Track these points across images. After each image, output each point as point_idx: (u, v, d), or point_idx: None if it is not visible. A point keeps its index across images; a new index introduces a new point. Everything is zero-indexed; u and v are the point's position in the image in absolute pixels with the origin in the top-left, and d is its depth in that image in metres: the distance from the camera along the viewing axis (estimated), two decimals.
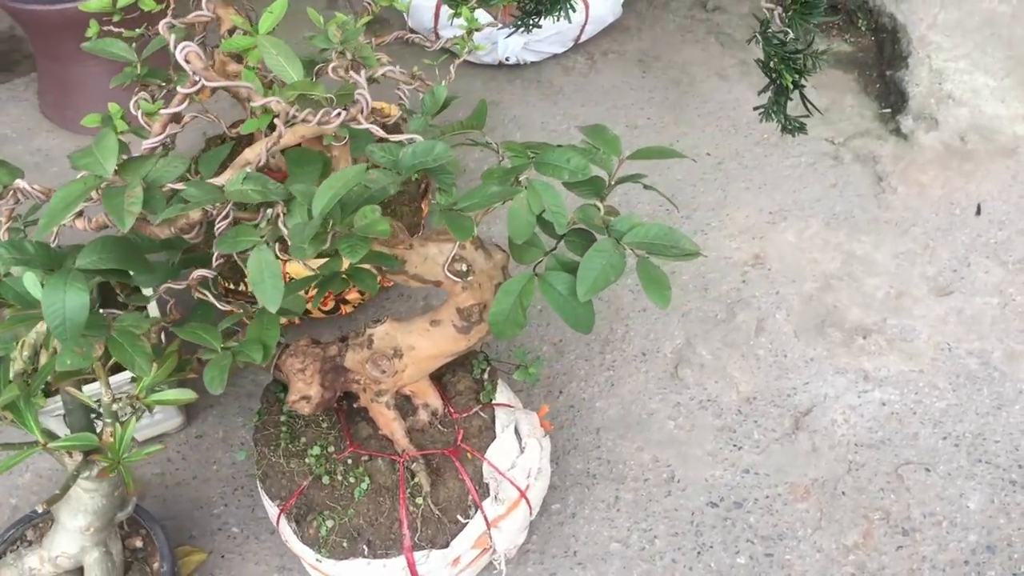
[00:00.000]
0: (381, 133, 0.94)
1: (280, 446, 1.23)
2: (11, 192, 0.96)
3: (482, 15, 1.72)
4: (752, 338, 1.58)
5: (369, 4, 1.48)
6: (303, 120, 0.91)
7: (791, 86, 1.41)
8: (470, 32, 1.47)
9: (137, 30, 1.26)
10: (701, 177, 1.85)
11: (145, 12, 1.25)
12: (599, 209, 1.08)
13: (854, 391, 1.51)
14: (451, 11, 1.48)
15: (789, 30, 1.39)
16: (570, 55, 2.11)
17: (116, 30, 1.26)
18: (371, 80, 1.03)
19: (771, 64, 1.44)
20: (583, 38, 2.08)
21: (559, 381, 1.53)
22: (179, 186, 0.87)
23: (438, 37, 2.02)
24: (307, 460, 1.22)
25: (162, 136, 0.95)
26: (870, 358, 1.55)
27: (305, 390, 1.19)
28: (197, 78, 0.88)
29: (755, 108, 1.47)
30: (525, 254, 1.09)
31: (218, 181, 0.97)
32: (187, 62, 0.88)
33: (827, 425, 1.46)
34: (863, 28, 2.16)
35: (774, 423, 1.47)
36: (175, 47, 0.89)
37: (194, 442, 1.47)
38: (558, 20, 1.48)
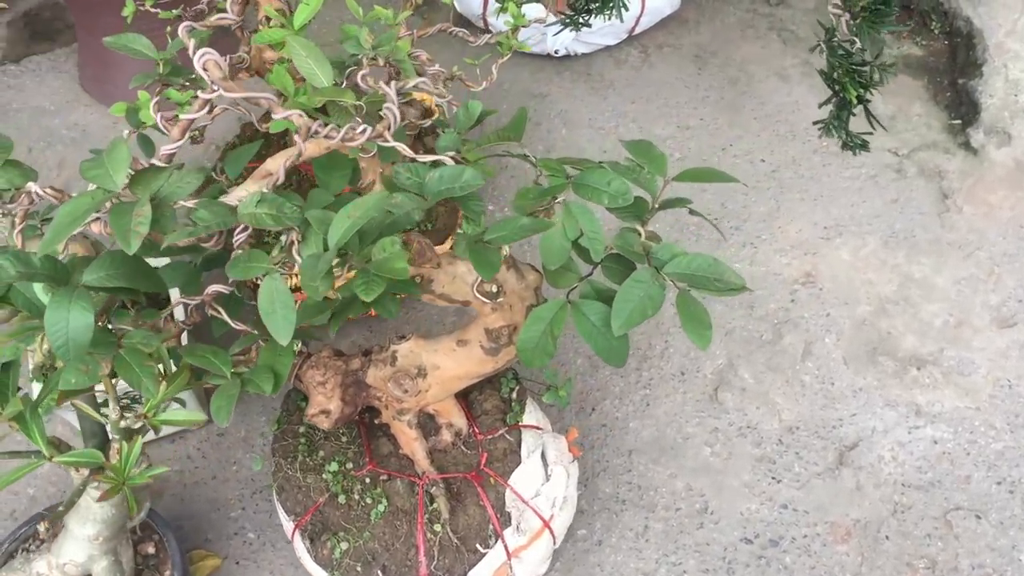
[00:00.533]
0: (408, 153, 0.88)
1: (298, 459, 1.19)
2: (23, 195, 0.92)
3: (530, 9, 1.65)
4: (798, 362, 1.50)
5: None
6: (326, 136, 0.86)
7: (855, 101, 1.32)
8: (515, 30, 1.40)
9: (174, 11, 1.22)
10: (754, 185, 1.76)
11: None
12: (639, 234, 1.01)
13: (904, 426, 1.42)
14: (498, 4, 1.41)
15: (856, 39, 1.30)
16: (623, 47, 2.02)
17: (153, 10, 1.21)
18: (402, 93, 0.97)
19: (834, 76, 1.35)
20: (638, 30, 1.99)
21: (592, 397, 1.47)
22: (191, 203, 0.82)
23: (486, 25, 1.95)
24: (324, 476, 1.17)
25: (180, 141, 0.90)
26: (923, 391, 1.46)
27: (325, 404, 1.14)
28: (216, 88, 0.83)
29: (815, 123, 1.38)
30: (559, 278, 1.03)
31: (232, 199, 0.92)
32: (205, 70, 0.83)
33: (873, 462, 1.38)
34: (936, 31, 2.03)
35: (817, 456, 1.39)
36: (194, 52, 0.84)
37: (215, 440, 1.43)
38: (609, 19, 1.40)
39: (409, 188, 0.87)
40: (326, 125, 0.85)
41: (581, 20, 1.40)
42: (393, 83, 0.93)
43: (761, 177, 1.77)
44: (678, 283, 0.94)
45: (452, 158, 0.94)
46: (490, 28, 1.94)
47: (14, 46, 2.04)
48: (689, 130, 1.85)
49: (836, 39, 1.34)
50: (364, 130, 0.86)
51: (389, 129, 0.89)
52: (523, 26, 1.38)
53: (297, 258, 0.79)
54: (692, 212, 1.07)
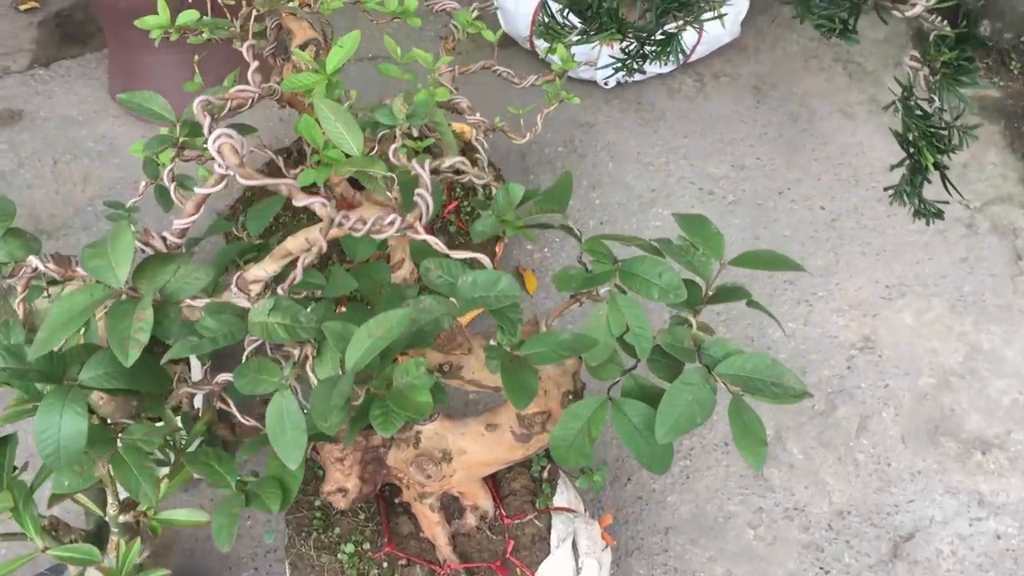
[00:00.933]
0: (442, 248, 0.79)
1: (312, 535, 1.11)
2: (24, 268, 0.85)
3: (580, 50, 1.54)
4: (852, 438, 1.40)
5: (454, 28, 1.33)
6: (351, 228, 0.77)
7: (932, 168, 1.21)
8: (563, 74, 1.31)
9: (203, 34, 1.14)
10: (812, 235, 1.64)
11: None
12: (690, 325, 0.92)
13: (965, 517, 1.32)
14: (545, 45, 1.31)
15: (935, 97, 1.18)
16: (677, 75, 1.90)
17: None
18: (437, 172, 0.88)
19: (910, 138, 1.24)
20: (693, 57, 1.87)
21: (627, 465, 1.38)
22: (198, 303, 0.74)
23: (532, 47, 1.85)
24: (339, 556, 1.10)
25: (194, 216, 0.82)
26: (988, 479, 1.35)
27: (342, 481, 1.06)
28: (230, 172, 0.75)
29: (885, 189, 1.28)
30: (600, 370, 0.93)
31: (249, 277, 0.84)
32: (220, 155, 0.74)
33: (930, 556, 1.28)
34: (1016, 71, 1.89)
35: (869, 546, 1.29)
36: (209, 132, 0.75)
37: None
38: (665, 64, 1.30)
39: (439, 289, 0.78)
40: (350, 219, 0.77)
41: (635, 66, 1.30)
42: (428, 162, 0.84)
43: (820, 226, 1.65)
44: (731, 386, 0.85)
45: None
46: (537, 50, 1.84)
47: (44, 48, 1.97)
48: (744, 170, 1.74)
49: (913, 98, 1.23)
50: (393, 221, 0.78)
51: (421, 219, 0.80)
52: (572, 69, 1.29)
53: (312, 376, 0.71)
54: (751, 304, 0.97)
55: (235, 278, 0.85)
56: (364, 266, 1.04)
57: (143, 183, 1.06)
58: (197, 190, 0.81)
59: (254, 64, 0.80)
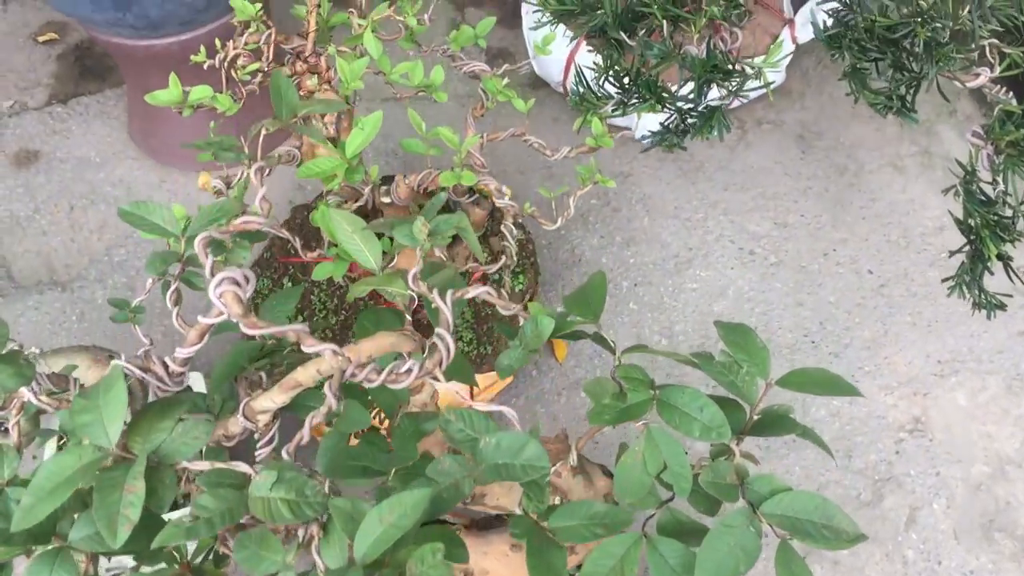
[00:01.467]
0: (468, 401, 0.72)
1: None
2: (16, 401, 0.79)
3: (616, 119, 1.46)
4: (901, 532, 1.31)
5: (483, 94, 1.26)
6: (366, 379, 0.70)
7: (995, 258, 1.12)
8: (595, 148, 1.23)
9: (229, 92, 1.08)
10: (859, 302, 1.55)
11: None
12: (733, 454, 0.85)
13: None
14: (579, 117, 1.24)
15: (999, 180, 1.09)
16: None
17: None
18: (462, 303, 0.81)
19: (971, 224, 1.15)
20: (735, 103, 1.78)
21: None
22: (198, 467, 0.67)
23: (566, 92, 1.77)
24: None
25: (198, 345, 0.75)
26: None
27: None
28: (231, 318, 0.68)
29: (943, 280, 1.19)
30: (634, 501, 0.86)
31: (256, 407, 0.78)
32: (222, 302, 0.67)
33: None
34: None
35: None
36: (212, 274, 0.68)
37: None
38: (707, 139, 1.22)
39: (460, 446, 0.71)
40: (364, 367, 0.70)
41: (675, 141, 1.21)
42: (450, 293, 0.76)
43: (867, 292, 1.56)
44: (778, 529, 0.77)
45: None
46: (570, 95, 1.76)
47: (63, 84, 1.92)
48: (787, 228, 1.65)
49: (975, 180, 1.14)
50: (410, 369, 0.71)
51: (441, 365, 0.73)
52: (606, 147, 1.21)
53: (317, 559, 0.64)
54: (803, 435, 0.89)
55: (242, 406, 0.79)
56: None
57: (149, 280, 0.99)
58: (201, 320, 0.75)
59: (262, 190, 0.73)
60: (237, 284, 0.70)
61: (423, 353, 0.83)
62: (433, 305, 0.77)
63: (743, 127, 1.81)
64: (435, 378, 0.72)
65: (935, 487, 1.35)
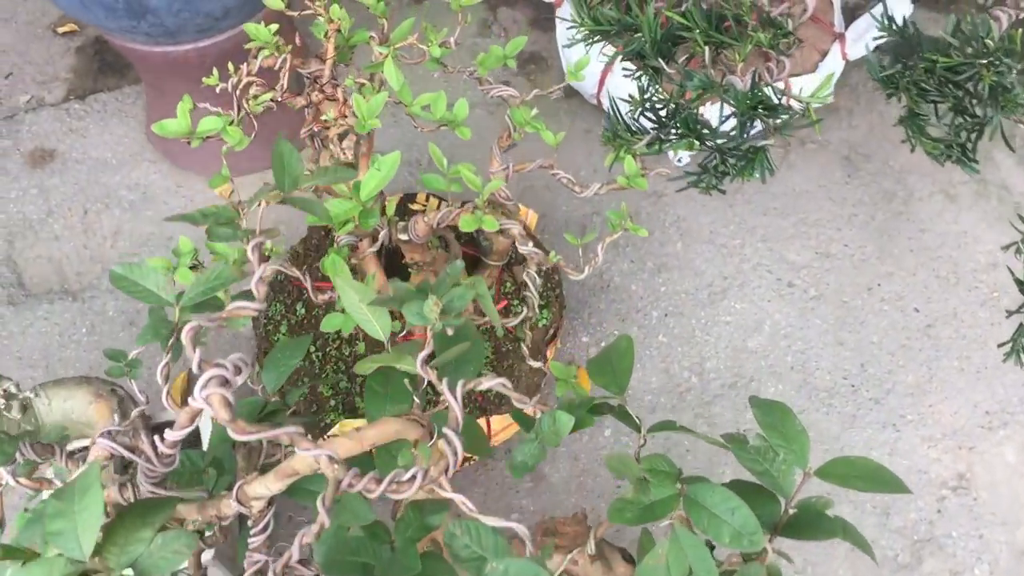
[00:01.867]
0: (473, 512, 0.65)
1: None
2: None
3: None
4: None
5: (508, 121, 1.18)
6: (364, 490, 0.64)
7: None
8: (630, 179, 1.15)
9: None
10: (903, 343, 1.46)
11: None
12: (764, 551, 0.78)
13: None
14: (610, 154, 1.16)
15: None
16: (759, 141, 1.71)
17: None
18: (472, 397, 0.74)
19: None
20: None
21: None
22: None
23: (599, 104, 1.69)
24: None
25: (188, 428, 0.70)
26: None
27: None
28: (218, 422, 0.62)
29: (999, 345, 1.10)
30: None
31: (249, 492, 0.72)
32: (210, 406, 0.61)
33: None
34: None
35: None
36: (199, 369, 0.62)
37: None
38: (746, 182, 1.14)
39: (465, 566, 0.65)
40: (362, 477, 0.64)
41: (712, 183, 1.13)
42: (460, 385, 0.70)
43: (913, 333, 1.47)
44: None
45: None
46: (604, 107, 1.68)
47: (82, 79, 1.86)
48: (829, 259, 1.56)
49: None
50: (414, 477, 0.64)
51: (448, 471, 0.66)
52: (640, 188, 1.14)
53: None
54: (846, 536, 0.82)
55: (235, 489, 0.73)
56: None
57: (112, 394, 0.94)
58: (192, 402, 0.69)
59: (260, 270, 0.67)
60: (227, 382, 0.63)
61: (432, 438, 0.76)
62: (441, 397, 0.70)
63: (786, 146, 1.72)
64: (440, 486, 0.66)
65: (978, 551, 1.27)
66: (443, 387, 0.70)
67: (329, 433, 1.23)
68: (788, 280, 1.53)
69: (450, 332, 0.73)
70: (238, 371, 0.67)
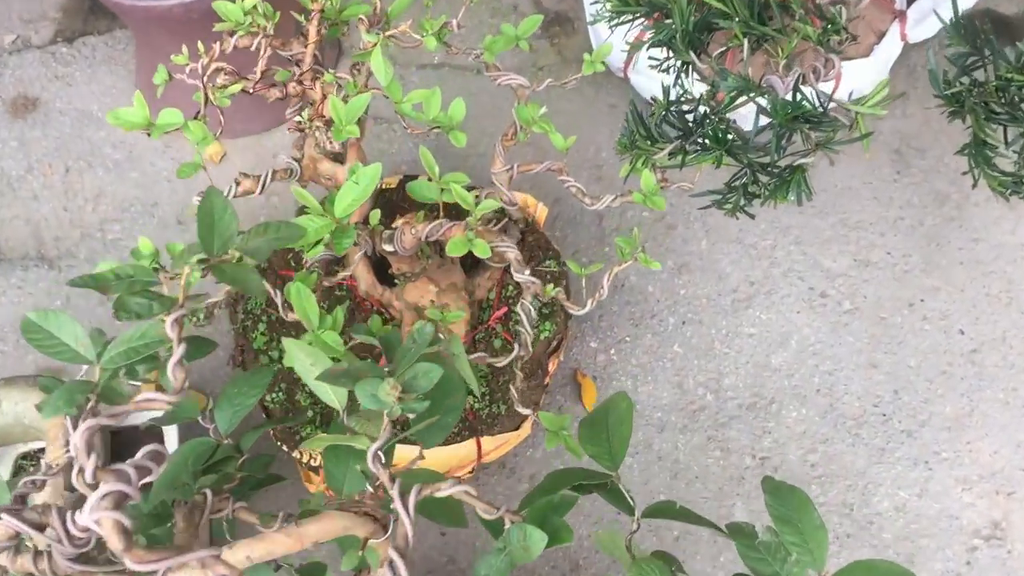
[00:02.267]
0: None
1: None
2: None
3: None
4: None
5: (515, 124, 1.06)
6: None
7: None
8: (647, 197, 1.02)
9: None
10: (944, 369, 1.33)
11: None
12: None
13: None
14: (626, 164, 1.02)
15: None
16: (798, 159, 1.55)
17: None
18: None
19: None
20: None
21: None
22: None
23: (626, 78, 1.53)
24: None
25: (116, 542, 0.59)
26: None
27: None
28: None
29: None
30: None
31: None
32: (100, 528, 0.50)
33: None
34: None
35: None
36: (93, 481, 0.51)
37: None
38: (780, 202, 1.00)
39: None
40: None
41: (740, 204, 0.99)
42: (414, 493, 0.58)
43: (955, 358, 1.34)
44: None
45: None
46: (630, 83, 1.52)
47: (71, 19, 1.73)
48: (868, 268, 1.41)
49: None
50: None
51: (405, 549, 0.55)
52: (657, 208, 1.01)
53: None
54: None
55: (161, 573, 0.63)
56: None
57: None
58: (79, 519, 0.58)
59: (178, 351, 0.55)
60: (126, 498, 0.53)
61: (384, 533, 0.66)
62: (392, 505, 0.59)
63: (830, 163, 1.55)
64: None
65: None
66: (394, 492, 0.59)
67: (301, 445, 1.13)
68: (821, 290, 1.40)
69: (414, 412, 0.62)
70: (145, 473, 0.56)
